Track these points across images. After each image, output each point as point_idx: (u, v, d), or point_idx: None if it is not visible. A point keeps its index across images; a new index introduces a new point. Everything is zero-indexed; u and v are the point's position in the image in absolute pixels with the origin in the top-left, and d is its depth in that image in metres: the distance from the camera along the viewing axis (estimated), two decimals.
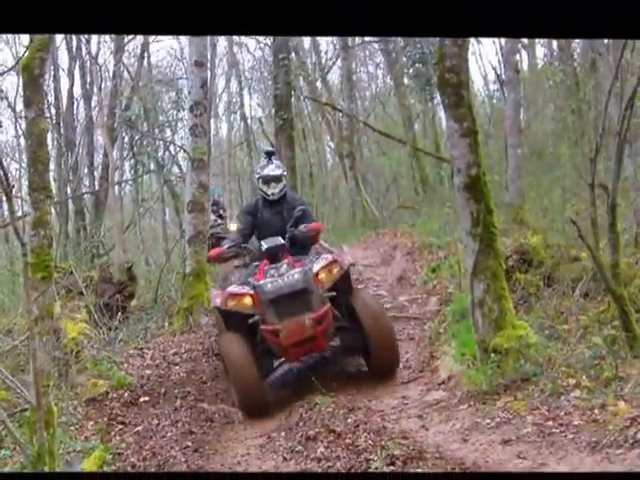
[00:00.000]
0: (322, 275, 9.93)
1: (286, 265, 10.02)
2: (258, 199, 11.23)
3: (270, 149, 12.14)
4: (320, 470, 6.84)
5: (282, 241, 10.37)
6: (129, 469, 7.61)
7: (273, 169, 10.99)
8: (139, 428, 8.91)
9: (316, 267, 9.95)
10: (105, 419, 9.08)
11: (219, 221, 21.63)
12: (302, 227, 10.48)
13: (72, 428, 8.56)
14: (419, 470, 6.34)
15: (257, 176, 11.32)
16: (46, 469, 5.99)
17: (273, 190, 10.89)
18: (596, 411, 6.72)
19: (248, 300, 9.79)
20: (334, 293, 10.05)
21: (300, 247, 10.68)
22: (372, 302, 10.74)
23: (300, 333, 9.56)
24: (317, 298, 9.72)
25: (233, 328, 10.09)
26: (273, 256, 10.23)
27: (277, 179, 10.93)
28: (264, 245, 10.31)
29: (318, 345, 9.91)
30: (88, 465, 7.44)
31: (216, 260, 11.18)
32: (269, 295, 9.60)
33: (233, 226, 21.37)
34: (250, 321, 9.73)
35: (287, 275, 9.79)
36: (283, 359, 10.17)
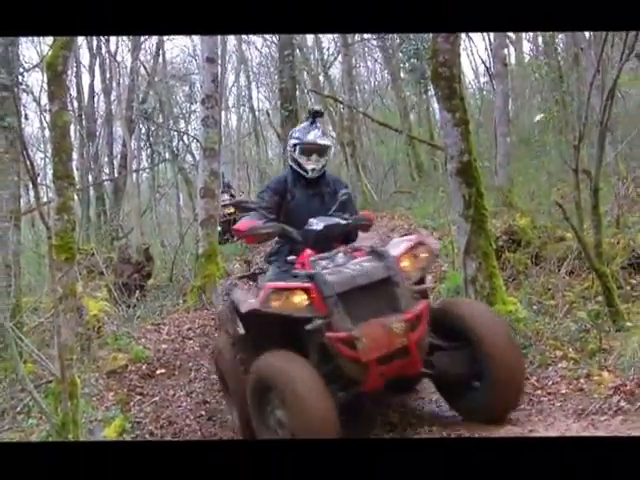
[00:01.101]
0: (406, 262, 6.59)
1: (342, 254, 6.66)
2: (287, 175, 7.65)
3: (318, 108, 8.24)
4: None
5: (342, 221, 7.03)
6: (147, 437, 7.62)
7: (320, 136, 7.48)
8: (156, 398, 8.90)
9: (397, 251, 6.61)
10: (125, 390, 9.07)
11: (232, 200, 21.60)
12: (358, 216, 7.42)
13: (94, 399, 8.56)
14: (416, 436, 6.34)
15: (294, 142, 7.55)
16: (70, 437, 5.98)
17: (314, 165, 7.40)
18: (582, 381, 6.74)
19: (302, 297, 6.13)
20: (428, 285, 7.36)
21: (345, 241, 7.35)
22: (488, 310, 7.39)
23: (388, 343, 5.97)
24: (405, 293, 6.31)
25: (277, 344, 6.41)
26: (324, 242, 6.86)
27: (322, 151, 7.43)
28: (316, 225, 6.89)
29: (411, 364, 6.22)
30: (109, 433, 7.45)
31: (246, 235, 7.05)
32: (337, 287, 6.07)
33: None
34: (309, 327, 6.03)
35: (352, 264, 6.47)
36: (356, 389, 6.31)
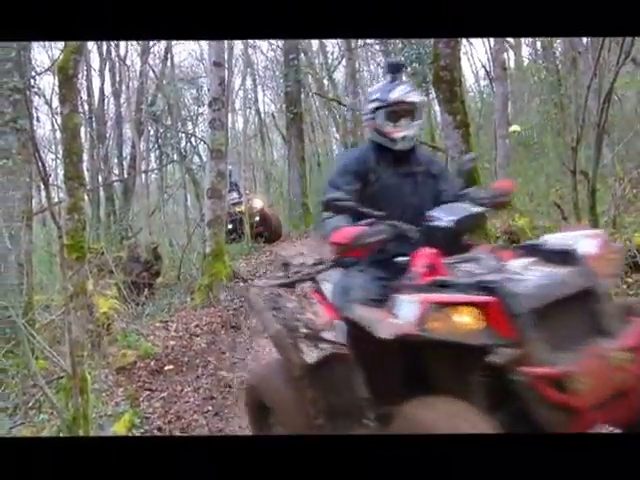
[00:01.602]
0: (597, 266, 4.53)
1: (488, 255, 4.57)
2: (366, 151, 5.37)
3: (397, 61, 6.33)
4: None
5: (474, 209, 4.78)
6: (156, 432, 7.61)
7: (408, 91, 5.26)
8: (164, 394, 8.89)
9: (586, 250, 4.49)
10: (134, 386, 9.07)
11: (242, 199, 21.52)
12: (492, 192, 5.17)
13: (104, 394, 8.56)
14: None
15: (374, 105, 5.34)
16: (81, 432, 5.99)
17: (406, 132, 5.21)
18: None
19: (474, 315, 3.97)
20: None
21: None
22: None
23: (608, 380, 4.01)
24: (612, 309, 4.40)
25: (401, 379, 4.67)
26: (453, 240, 4.82)
27: (413, 112, 5.24)
28: (442, 220, 4.68)
29: (630, 408, 4.22)
30: (119, 428, 7.45)
31: (352, 248, 4.57)
32: (526, 302, 4.00)
33: (257, 202, 21.21)
34: (494, 359, 3.99)
35: (523, 269, 4.42)
36: None
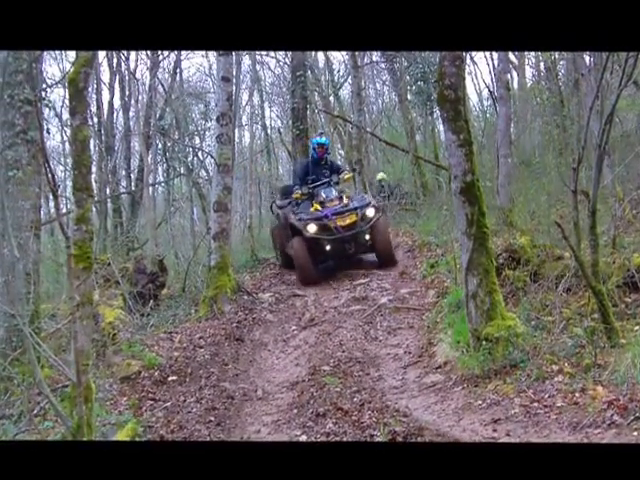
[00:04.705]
0: None
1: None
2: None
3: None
4: None
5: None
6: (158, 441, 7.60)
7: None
8: (167, 404, 8.88)
9: None
10: (137, 395, 9.07)
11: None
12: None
13: (108, 403, 8.57)
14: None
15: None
16: (84, 439, 5.99)
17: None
18: (577, 395, 6.72)
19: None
20: None
21: None
22: None
23: None
24: None
25: None
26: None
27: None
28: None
29: None
30: (122, 436, 7.44)
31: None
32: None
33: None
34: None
35: None
36: None
